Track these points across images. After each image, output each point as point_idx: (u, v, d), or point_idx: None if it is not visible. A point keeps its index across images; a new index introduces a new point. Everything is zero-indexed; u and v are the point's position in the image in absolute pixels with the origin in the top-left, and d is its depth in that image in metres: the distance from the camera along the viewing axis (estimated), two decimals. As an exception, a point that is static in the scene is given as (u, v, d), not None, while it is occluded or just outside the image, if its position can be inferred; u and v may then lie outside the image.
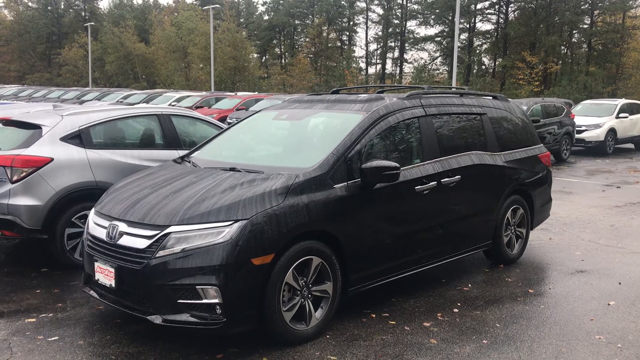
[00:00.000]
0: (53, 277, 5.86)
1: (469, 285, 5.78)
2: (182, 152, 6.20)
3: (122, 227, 4.29)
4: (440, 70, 56.54)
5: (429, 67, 56.67)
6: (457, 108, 5.97)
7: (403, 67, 60.62)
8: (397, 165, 4.72)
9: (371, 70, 63.33)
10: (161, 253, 4.01)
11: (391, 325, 4.74)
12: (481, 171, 5.96)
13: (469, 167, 5.77)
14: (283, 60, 64.95)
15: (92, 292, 4.58)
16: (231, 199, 4.17)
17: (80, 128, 6.35)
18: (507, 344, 4.40)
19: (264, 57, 67.59)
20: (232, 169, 4.75)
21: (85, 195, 6.10)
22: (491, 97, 6.72)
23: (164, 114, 7.07)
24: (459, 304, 5.23)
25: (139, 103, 27.64)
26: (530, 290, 5.63)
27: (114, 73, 61.70)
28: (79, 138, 6.31)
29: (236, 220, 4.03)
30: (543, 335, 4.57)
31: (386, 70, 61.35)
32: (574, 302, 5.34)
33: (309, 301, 4.39)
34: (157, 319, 4.04)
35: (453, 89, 6.69)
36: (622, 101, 20.41)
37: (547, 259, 6.79)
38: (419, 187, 5.18)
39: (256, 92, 36.90)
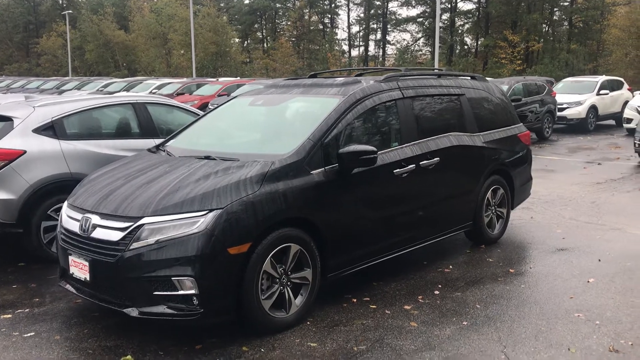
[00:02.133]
0: (31, 272, 5.78)
1: (450, 266, 5.78)
2: (159, 141, 6.11)
3: (95, 219, 4.22)
4: (423, 51, 56.43)
5: (412, 48, 56.54)
6: (435, 89, 5.92)
7: (386, 48, 60.42)
8: (374, 149, 4.68)
9: (354, 52, 63.10)
10: (135, 245, 3.94)
11: (372, 309, 4.73)
12: (460, 152, 5.93)
13: (448, 149, 5.74)
14: (265, 45, 64.39)
15: (68, 286, 4.51)
16: (205, 188, 4.10)
17: (54, 119, 6.22)
18: (487, 324, 4.40)
19: (245, 42, 66.95)
20: (207, 157, 4.67)
21: (60, 188, 5.99)
22: (469, 78, 6.68)
23: (139, 103, 6.96)
24: (439, 286, 5.23)
25: (119, 91, 27.35)
26: (510, 270, 5.64)
27: (94, 62, 60.88)
28: (52, 129, 6.19)
29: (211, 210, 3.97)
30: (523, 314, 4.58)
31: (369, 53, 61.11)
32: (554, 280, 5.36)
33: (288, 289, 4.36)
34: (133, 312, 3.99)
35: (431, 71, 6.63)
36: (602, 78, 20.50)
37: (529, 238, 6.81)
38: (398, 170, 5.14)
39: (238, 77, 36.59)
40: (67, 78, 41.90)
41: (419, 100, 5.67)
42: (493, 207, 6.51)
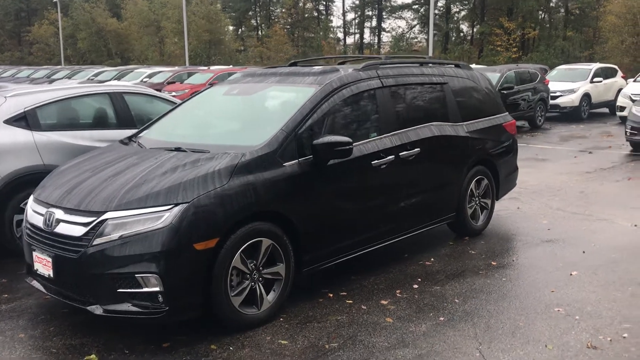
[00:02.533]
0: (3, 266, 5.64)
1: (432, 259, 5.66)
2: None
3: (59, 214, 4.08)
4: (419, 39, 56.10)
5: (407, 35, 56.21)
6: (416, 78, 5.77)
7: (381, 36, 60.07)
8: (349, 140, 4.54)
9: (349, 40, 62.71)
10: (98, 241, 3.81)
11: (348, 304, 4.61)
12: (442, 143, 5.80)
13: (429, 139, 5.60)
14: (260, 32, 63.95)
15: (34, 283, 4.38)
16: (171, 181, 3.96)
17: (26, 109, 6.06)
18: (465, 320, 4.29)
19: (240, 29, 66.47)
20: (178, 149, 4.53)
21: (34, 180, 5.77)
22: (453, 66, 6.53)
23: (116, 92, 6.80)
24: (419, 280, 5.12)
25: (110, 80, 27.13)
26: (493, 263, 5.53)
27: (86, 50, 60.39)
28: (24, 120, 6.02)
29: (176, 204, 3.83)
30: (502, 309, 4.47)
31: (364, 40, 60.75)
32: (536, 273, 5.25)
33: (260, 284, 4.23)
34: (97, 310, 3.86)
35: (413, 59, 6.47)
36: (596, 65, 20.34)
37: (514, 229, 6.70)
38: (376, 161, 5.01)
39: (231, 66, 36.30)
40: (58, 67, 41.59)
41: (399, 90, 5.53)
42: (477, 198, 6.39)
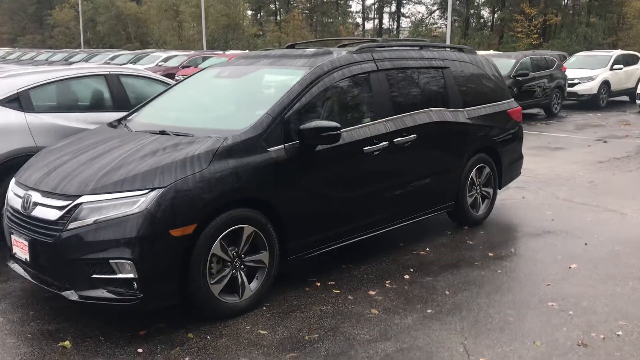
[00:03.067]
0: (-7, 248, 5.60)
1: (427, 249, 5.51)
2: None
3: (36, 197, 3.99)
4: (438, 24, 55.35)
5: (427, 21, 55.51)
6: (415, 62, 5.58)
7: (400, 21, 59.41)
8: (337, 125, 4.38)
9: (368, 25, 62.10)
10: (72, 225, 3.71)
11: (334, 294, 4.48)
12: (440, 129, 5.62)
13: (427, 125, 5.42)
14: (278, 17, 63.61)
15: (14, 267, 4.31)
16: (149, 165, 3.85)
17: (19, 91, 5.97)
18: (453, 313, 4.14)
19: (258, 14, 66.17)
20: (162, 132, 4.42)
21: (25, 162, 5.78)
22: (456, 50, 6.32)
23: (112, 74, 6.68)
24: (411, 270, 4.97)
25: (126, 64, 27.19)
26: (490, 254, 5.36)
27: (106, 34, 60.65)
28: (17, 101, 5.94)
29: (153, 189, 3.72)
30: (493, 303, 4.31)
31: (383, 26, 60.12)
32: (533, 265, 5.07)
33: (242, 272, 4.12)
34: (72, 295, 3.78)
35: (413, 41, 6.27)
36: (616, 52, 19.83)
37: (516, 219, 6.50)
38: (369, 147, 4.85)
39: (247, 51, 36.14)
40: (77, 50, 41.77)
41: (395, 73, 5.34)
42: (478, 187, 6.20)
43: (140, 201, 3.68)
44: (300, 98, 4.48)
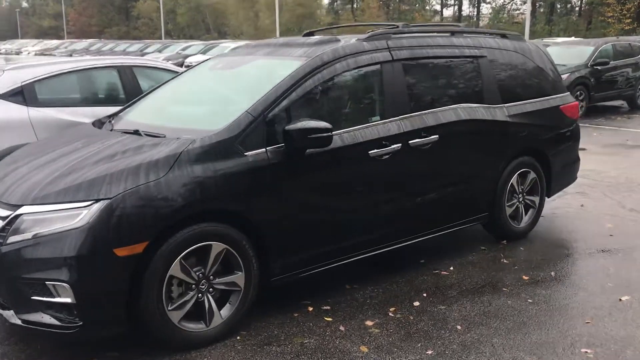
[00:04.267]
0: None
1: (451, 268, 4.75)
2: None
3: (-17, 205, 3.59)
4: (521, 10, 52.69)
5: (509, 7, 52.99)
6: (442, 50, 4.81)
7: (480, 7, 57.07)
8: (328, 126, 3.72)
9: (447, 12, 60.12)
10: (12, 239, 3.26)
11: (324, 323, 3.85)
12: (471, 128, 4.82)
13: (453, 124, 4.66)
14: (355, 5, 62.67)
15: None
16: (99, 172, 3.35)
17: (23, 84, 5.70)
18: (458, 356, 3.41)
19: (335, 3, 65.50)
20: (136, 132, 3.93)
21: (26, 159, 5.48)
22: (498, 36, 5.47)
23: (125, 66, 6.32)
24: (424, 295, 4.25)
25: (196, 54, 27.40)
26: (524, 277, 4.54)
27: (185, 25, 61.99)
28: (21, 95, 5.67)
29: (97, 200, 3.21)
30: (511, 344, 3.54)
31: (462, 12, 57.99)
32: (574, 295, 4.22)
33: (210, 296, 3.56)
34: (13, 318, 3.34)
35: (442, 27, 5.45)
36: None
37: (566, 233, 5.60)
38: (376, 151, 4.15)
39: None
40: (154, 41, 42.72)
41: (416, 64, 4.60)
42: (520, 195, 5.35)
43: (82, 214, 3.19)
44: (290, 93, 3.85)
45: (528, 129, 5.26)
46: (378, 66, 4.35)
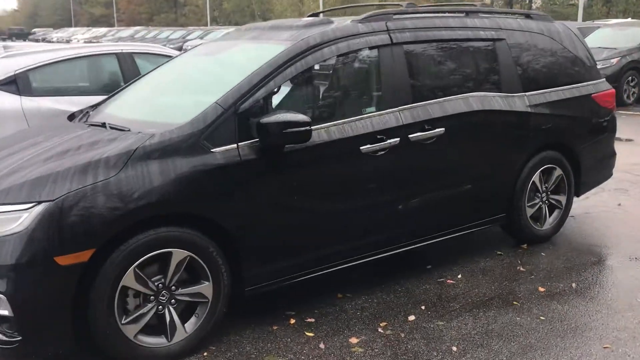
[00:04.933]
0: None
1: (459, 275, 4.27)
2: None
3: None
4: (577, -9, 50.36)
5: (563, -12, 50.70)
6: (452, 33, 4.30)
7: (533, -10, 54.82)
8: (306, 119, 3.30)
9: (497, -5, 58.02)
10: (-48, 244, 2.99)
11: (304, 339, 3.45)
12: (484, 120, 4.31)
13: (462, 116, 4.16)
14: (402, -10, 61.29)
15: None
16: (45, 170, 3.02)
17: (17, 72, 5.49)
18: (447, 386, 2.97)
19: (382, -13, 64.26)
20: (102, 125, 3.60)
21: (18, 151, 5.26)
22: (522, 17, 4.91)
23: (125, 53, 6.04)
24: (423, 308, 3.79)
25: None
26: (540, 289, 4.02)
27: (231, 11, 62.04)
28: (14, 84, 5.46)
29: (39, 202, 2.89)
30: (512, 373, 3.06)
31: (514, -5, 55.87)
32: (596, 312, 3.69)
33: (172, 309, 3.21)
34: (-45, 330, 3.08)
35: (454, 6, 4.90)
36: None
37: (598, 237, 5.02)
38: (369, 146, 3.71)
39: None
40: (202, 28, 42.83)
41: (420, 48, 4.11)
42: (543, 194, 4.81)
43: (23, 218, 2.87)
44: (268, 82, 3.43)
45: (553, 121, 4.70)
46: (375, 51, 3.89)
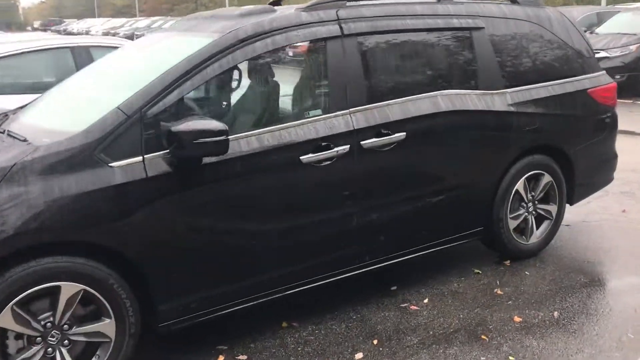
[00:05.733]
0: None
1: (426, 300, 3.73)
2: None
3: None
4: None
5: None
6: (417, 21, 3.73)
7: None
8: (222, 127, 2.79)
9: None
10: None
11: (228, 383, 2.96)
12: (455, 122, 3.74)
13: (428, 118, 3.61)
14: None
15: None
16: None
17: (-42, 70, 5.06)
18: None
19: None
20: (2, 133, 3.14)
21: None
22: (506, 2, 4.31)
23: (80, 46, 5.57)
24: (374, 342, 3.27)
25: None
26: (516, 319, 3.46)
27: (250, 1, 61.57)
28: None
29: None
30: None
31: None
32: (576, 351, 3.13)
33: (64, 350, 2.74)
34: None
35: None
36: None
37: (593, 251, 4.43)
38: (310, 156, 3.18)
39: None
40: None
41: (378, 40, 3.55)
42: (529, 204, 4.23)
43: None
44: (184, 82, 2.93)
45: (541, 121, 4.11)
46: (321, 43, 3.35)
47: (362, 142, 3.35)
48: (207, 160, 2.89)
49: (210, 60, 3.01)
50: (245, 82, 3.23)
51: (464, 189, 3.85)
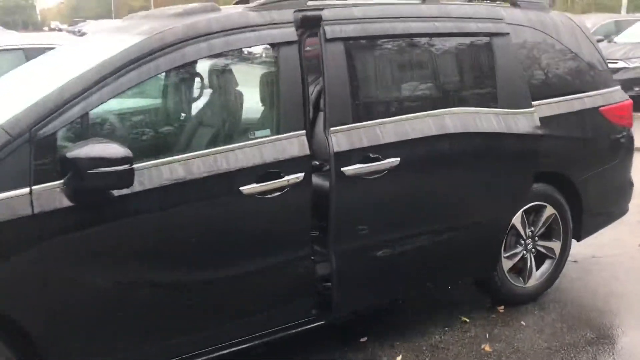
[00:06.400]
0: None
1: (399, 357, 3.12)
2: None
3: None
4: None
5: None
6: (388, 25, 3.09)
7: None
8: (124, 154, 2.22)
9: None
10: None
11: None
12: (467, 146, 3.15)
13: (432, 140, 3.02)
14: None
15: None
16: None
17: None
18: None
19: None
20: None
21: None
22: (507, 6, 3.69)
23: (34, 48, 5.05)
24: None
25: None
26: (503, 389, 2.85)
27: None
28: None
29: None
30: None
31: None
32: None
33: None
34: None
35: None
36: None
37: (603, 296, 3.80)
38: (252, 186, 2.60)
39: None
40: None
41: (344, 46, 2.93)
42: (529, 241, 3.60)
43: None
44: (90, 95, 2.36)
45: (539, 144, 3.49)
46: (271, 50, 2.77)
47: (343, 169, 2.76)
48: (117, 192, 2.32)
49: (127, 67, 2.44)
50: (174, 95, 2.66)
51: (466, 229, 3.24)
